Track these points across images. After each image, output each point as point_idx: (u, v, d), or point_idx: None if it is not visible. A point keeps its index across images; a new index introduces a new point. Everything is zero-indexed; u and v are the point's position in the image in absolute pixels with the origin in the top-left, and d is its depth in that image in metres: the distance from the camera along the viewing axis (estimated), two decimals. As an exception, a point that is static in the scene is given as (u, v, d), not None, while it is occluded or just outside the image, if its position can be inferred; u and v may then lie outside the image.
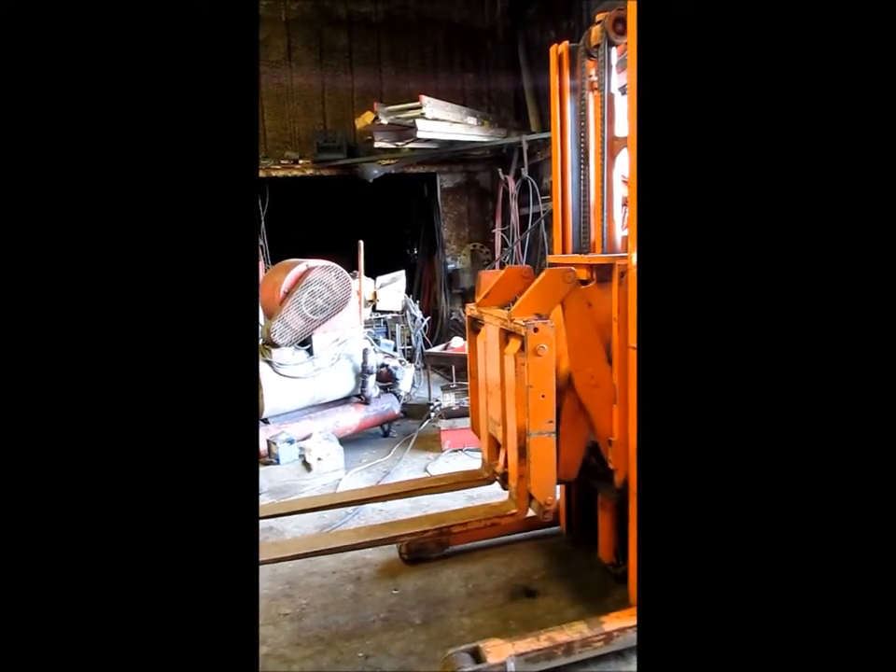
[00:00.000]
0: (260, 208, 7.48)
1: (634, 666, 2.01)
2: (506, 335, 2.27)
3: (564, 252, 2.68)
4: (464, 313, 8.32)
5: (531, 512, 2.29)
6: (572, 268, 2.22)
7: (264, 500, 3.54)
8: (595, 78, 2.50)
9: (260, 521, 3.24)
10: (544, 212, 6.29)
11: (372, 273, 6.47)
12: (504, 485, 2.49)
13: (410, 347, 6.72)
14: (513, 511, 2.27)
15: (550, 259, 2.73)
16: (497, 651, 1.92)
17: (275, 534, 3.16)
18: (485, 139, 7.18)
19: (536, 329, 2.01)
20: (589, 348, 2.24)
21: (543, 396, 2.05)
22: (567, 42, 2.61)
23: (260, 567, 2.74)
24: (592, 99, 2.53)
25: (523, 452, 2.15)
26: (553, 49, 2.63)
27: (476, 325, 2.69)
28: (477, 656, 1.92)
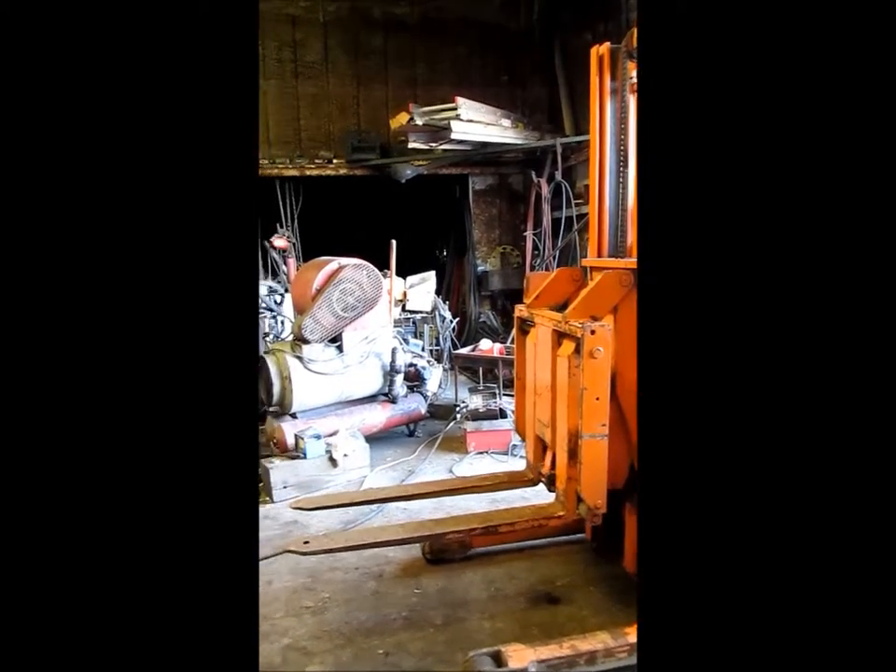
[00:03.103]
0: (294, 206, 7.59)
1: (658, 679, 1.97)
2: (559, 337, 2.26)
3: (599, 255, 2.65)
4: (492, 315, 8.19)
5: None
6: (630, 271, 2.20)
7: (290, 494, 3.57)
8: (635, 80, 2.46)
9: (290, 513, 3.27)
10: (577, 216, 6.24)
11: (403, 272, 6.48)
12: (550, 487, 2.47)
13: (438, 348, 6.71)
14: (561, 513, 2.24)
15: (584, 262, 2.69)
16: (519, 656, 1.90)
17: (300, 527, 3.19)
18: (519, 141, 7.15)
19: (593, 332, 2.01)
20: (635, 354, 2.21)
21: (598, 398, 2.05)
22: (608, 43, 2.58)
23: (284, 558, 2.77)
24: (632, 101, 2.50)
25: (573, 454, 2.13)
26: (593, 51, 2.60)
27: (525, 326, 2.68)
28: (498, 660, 1.90)
